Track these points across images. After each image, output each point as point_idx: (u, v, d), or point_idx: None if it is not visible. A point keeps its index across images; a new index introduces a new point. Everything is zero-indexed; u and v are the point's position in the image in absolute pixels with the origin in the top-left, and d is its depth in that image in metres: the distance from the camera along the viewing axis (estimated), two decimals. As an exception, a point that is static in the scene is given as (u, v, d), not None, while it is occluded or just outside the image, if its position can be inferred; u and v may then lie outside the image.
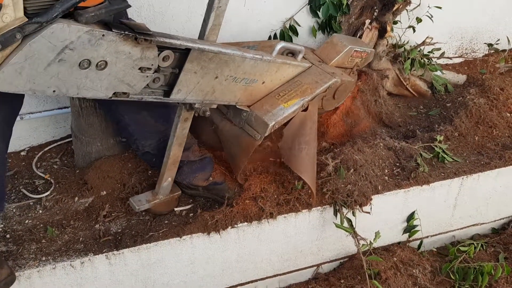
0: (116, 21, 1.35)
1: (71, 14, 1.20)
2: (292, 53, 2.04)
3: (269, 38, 2.62)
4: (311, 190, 2.02)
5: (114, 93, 1.40)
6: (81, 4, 1.19)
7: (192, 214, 2.06)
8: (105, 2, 1.25)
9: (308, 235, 2.19)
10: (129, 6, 1.33)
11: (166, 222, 2.01)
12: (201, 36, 1.61)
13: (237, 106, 1.87)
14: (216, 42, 1.63)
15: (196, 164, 2.07)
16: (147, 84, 1.47)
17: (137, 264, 1.92)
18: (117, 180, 2.14)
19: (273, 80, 1.93)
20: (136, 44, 1.32)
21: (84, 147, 2.17)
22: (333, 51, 2.25)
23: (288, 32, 2.60)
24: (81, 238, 1.94)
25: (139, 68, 1.39)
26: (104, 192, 2.11)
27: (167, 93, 1.56)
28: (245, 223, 2.01)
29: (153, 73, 1.44)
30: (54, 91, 1.27)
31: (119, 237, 1.93)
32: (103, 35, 1.24)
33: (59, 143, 2.43)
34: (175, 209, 2.08)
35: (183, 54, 1.50)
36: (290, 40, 2.63)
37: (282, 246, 2.17)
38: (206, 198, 2.14)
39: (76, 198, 2.10)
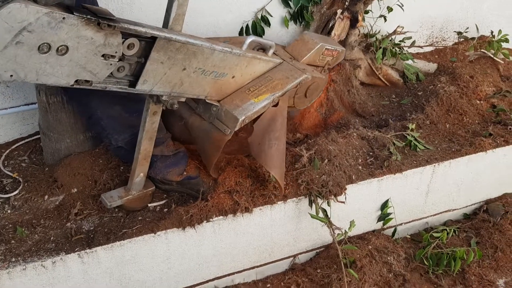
0: (79, 5, 1.28)
1: None
2: (263, 49, 2.02)
3: (241, 29, 2.60)
4: (279, 185, 2.01)
5: (76, 81, 1.33)
6: None
7: (166, 210, 2.03)
8: None
9: (284, 227, 2.19)
10: None
11: (140, 218, 1.98)
12: (164, 27, 1.55)
13: (206, 101, 1.84)
14: (181, 32, 1.58)
15: (170, 158, 2.04)
16: (112, 73, 1.41)
17: (111, 262, 1.89)
18: (88, 177, 2.09)
19: (243, 74, 1.90)
20: (99, 29, 1.26)
21: (53, 144, 2.12)
22: (304, 48, 2.23)
23: (260, 22, 2.59)
24: (52, 238, 1.89)
25: (103, 55, 1.33)
26: (75, 190, 2.06)
27: (133, 84, 1.50)
28: (221, 217, 2.00)
29: (117, 61, 1.37)
30: (11, 75, 1.20)
31: (92, 235, 1.89)
32: (63, 18, 1.18)
33: (27, 140, 2.36)
34: (149, 204, 2.05)
35: (149, 43, 1.44)
36: (262, 31, 2.61)
37: (258, 238, 2.16)
38: (181, 193, 2.11)
39: (46, 197, 2.05)
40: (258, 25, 2.57)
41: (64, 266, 1.82)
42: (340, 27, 2.62)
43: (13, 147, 2.31)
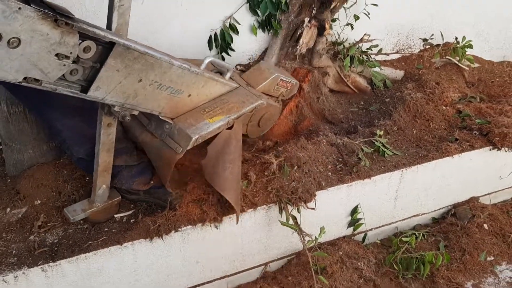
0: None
1: None
2: (221, 73, 2.03)
3: (210, 37, 2.59)
4: (235, 209, 1.96)
5: (25, 78, 1.28)
6: None
7: (133, 220, 2.00)
8: None
9: (255, 235, 2.18)
10: None
11: (106, 229, 1.94)
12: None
13: (160, 117, 1.80)
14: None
15: (135, 168, 2.01)
16: (64, 76, 1.36)
17: (76, 275, 1.84)
18: (52, 188, 2.04)
19: (199, 94, 1.88)
20: (56, 26, 1.22)
21: (15, 154, 2.06)
22: (260, 77, 2.27)
23: (229, 30, 2.58)
24: (14, 251, 1.83)
25: (56, 55, 1.28)
26: (39, 202, 2.01)
27: (85, 89, 1.45)
28: (189, 226, 1.97)
29: (71, 63, 1.33)
30: None
31: (56, 248, 1.84)
32: (19, 8, 1.13)
33: (-12, 151, 2.29)
34: (115, 215, 2.01)
35: (106, 48, 1.40)
36: (231, 39, 2.62)
37: (228, 247, 2.14)
38: (148, 202, 2.08)
39: (8, 209, 1.99)
40: (227, 33, 2.57)
41: (27, 281, 1.77)
42: (308, 35, 2.65)
43: (-26, 159, 2.24)
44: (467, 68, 3.21)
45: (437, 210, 2.74)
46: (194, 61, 2.04)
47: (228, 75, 2.02)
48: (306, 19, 2.62)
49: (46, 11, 1.18)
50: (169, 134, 1.84)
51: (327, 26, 2.64)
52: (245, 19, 2.64)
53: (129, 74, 1.50)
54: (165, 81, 1.64)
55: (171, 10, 2.43)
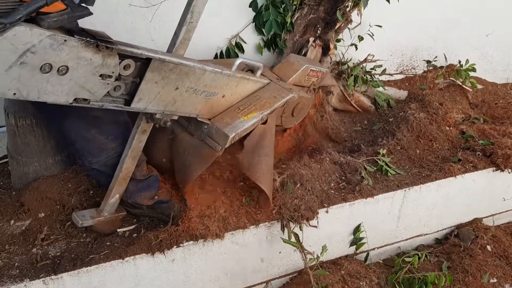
0: (78, 28, 1.37)
1: (34, 20, 1.21)
2: (251, 70, 2.11)
3: (215, 56, 2.63)
4: (268, 199, 2.06)
5: (75, 99, 1.40)
6: (44, 10, 1.20)
7: (135, 235, 2.00)
8: (67, 9, 1.26)
9: (257, 252, 2.17)
10: (91, 13, 1.34)
11: (108, 243, 1.94)
12: (170, 49, 1.68)
13: (198, 119, 1.90)
14: (183, 56, 1.69)
15: (142, 182, 2.02)
16: (108, 92, 1.47)
17: (77, 288, 1.84)
18: (56, 201, 2.05)
19: (233, 94, 1.98)
20: (98, 51, 1.33)
21: (21, 167, 2.08)
22: (290, 70, 2.33)
23: (234, 49, 2.62)
24: (16, 264, 1.83)
25: (100, 75, 1.39)
26: (42, 214, 2.02)
27: (128, 102, 1.57)
28: (191, 242, 1.98)
29: (114, 81, 1.44)
30: (14, 93, 1.26)
31: (58, 261, 1.84)
32: (65, 40, 1.25)
33: (-6, 164, 2.32)
34: (118, 229, 2.01)
35: (144, 63, 1.52)
36: (236, 57, 2.64)
37: (230, 264, 2.14)
38: (151, 217, 2.09)
39: (12, 221, 2.00)
40: (232, 52, 2.60)
41: (28, 293, 1.77)
42: (312, 54, 2.68)
43: (-20, 171, 2.26)
44: (470, 90, 3.23)
45: (440, 230, 2.73)
46: (226, 62, 2.12)
47: (258, 72, 2.10)
48: (311, 39, 2.66)
49: (88, 39, 1.30)
50: (208, 134, 1.96)
51: (331, 46, 2.67)
52: (251, 38, 2.68)
53: (167, 84, 1.61)
54: (200, 86, 1.75)
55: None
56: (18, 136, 2.01)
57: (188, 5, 1.64)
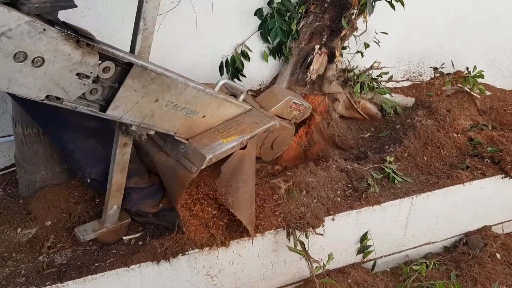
0: (59, 21, 1.30)
1: (14, 4, 1.15)
2: (234, 95, 2.07)
3: (221, 63, 2.64)
4: (248, 229, 1.98)
5: (47, 96, 1.32)
6: None
7: (141, 243, 2.00)
8: None
9: (262, 260, 2.16)
10: (75, 6, 1.30)
11: (113, 251, 1.95)
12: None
13: (175, 137, 1.84)
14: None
15: (145, 190, 2.03)
16: (84, 95, 1.41)
17: (83, 296, 1.84)
18: (63, 210, 2.07)
19: (213, 115, 1.92)
20: (78, 46, 1.27)
21: (28, 175, 2.10)
22: (273, 100, 2.31)
23: (240, 57, 2.63)
24: (23, 271, 1.85)
25: (77, 74, 1.33)
26: (49, 222, 2.03)
27: (104, 108, 1.50)
28: (196, 250, 1.97)
29: (91, 82, 1.38)
30: None
31: (64, 269, 1.85)
32: (44, 29, 1.19)
33: (3, 172, 2.35)
34: (124, 237, 2.02)
35: (125, 69, 1.46)
36: (242, 65, 2.66)
37: (235, 272, 2.13)
38: (157, 225, 2.09)
39: (19, 229, 2.02)
40: (238, 60, 2.61)
41: (33, 301, 1.78)
42: (318, 62, 2.68)
43: (-11, 179, 2.29)
44: (478, 96, 3.20)
45: (449, 238, 2.70)
46: (209, 85, 2.09)
47: (241, 97, 2.06)
48: (317, 47, 2.67)
49: (69, 32, 1.24)
50: (184, 154, 1.88)
51: (337, 53, 2.68)
52: (257, 46, 2.69)
53: (146, 94, 1.55)
54: (181, 102, 1.69)
55: (185, 36, 2.49)
56: (25, 145, 2.03)
57: (138, 12, 1.50)
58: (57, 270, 1.85)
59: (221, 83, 1.92)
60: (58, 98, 1.35)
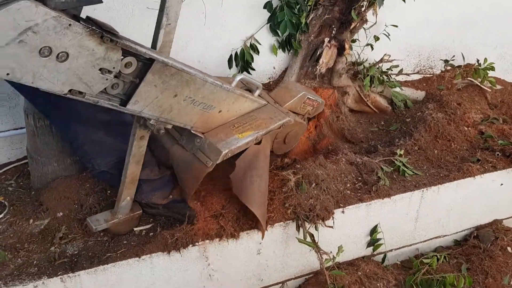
0: (83, 16, 1.31)
1: None
2: (250, 90, 2.08)
3: (230, 56, 2.64)
4: (260, 224, 1.99)
5: (70, 90, 1.34)
6: None
7: (152, 233, 2.02)
8: None
9: (272, 252, 2.17)
10: (101, 1, 1.31)
11: (125, 242, 1.96)
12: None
13: (191, 131, 1.86)
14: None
15: (156, 182, 2.04)
16: (105, 89, 1.43)
17: (94, 286, 1.85)
18: (74, 201, 2.08)
19: (229, 110, 1.94)
20: (101, 42, 1.28)
21: (40, 167, 2.12)
22: (288, 95, 2.32)
23: (249, 50, 2.63)
24: (35, 262, 1.86)
25: (100, 69, 1.35)
26: (61, 214, 2.05)
27: (124, 103, 1.52)
28: (207, 241, 1.98)
29: (113, 77, 1.40)
30: (8, 73, 1.21)
31: (75, 259, 1.87)
32: (69, 24, 1.20)
33: (15, 164, 2.37)
34: (135, 228, 2.03)
35: (146, 64, 1.48)
36: (251, 58, 2.66)
37: (245, 264, 2.14)
38: (167, 216, 2.10)
39: (31, 220, 2.04)
40: (247, 53, 2.61)
41: (46, 291, 1.80)
42: (327, 55, 2.68)
43: (1, 171, 2.31)
44: (489, 90, 3.18)
45: (459, 232, 2.68)
46: (225, 79, 2.10)
47: (257, 92, 2.07)
48: (326, 39, 2.66)
49: (93, 28, 1.25)
50: (199, 148, 1.90)
51: (346, 46, 2.67)
52: (266, 39, 2.69)
53: (166, 89, 1.57)
54: (198, 97, 1.71)
55: (194, 30, 2.50)
56: (37, 137, 2.05)
57: (162, 7, 1.53)
58: (68, 260, 1.87)
59: (238, 78, 1.94)
60: (80, 92, 1.37)
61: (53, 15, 1.16)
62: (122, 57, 1.38)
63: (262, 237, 2.04)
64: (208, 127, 1.91)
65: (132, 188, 1.92)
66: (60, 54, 1.24)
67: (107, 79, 1.39)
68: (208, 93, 1.74)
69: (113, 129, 1.93)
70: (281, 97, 2.30)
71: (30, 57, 1.20)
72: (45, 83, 1.28)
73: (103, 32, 1.27)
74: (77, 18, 1.24)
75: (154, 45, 1.56)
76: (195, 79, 1.64)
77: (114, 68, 1.37)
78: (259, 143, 2.03)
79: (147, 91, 1.52)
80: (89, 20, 1.28)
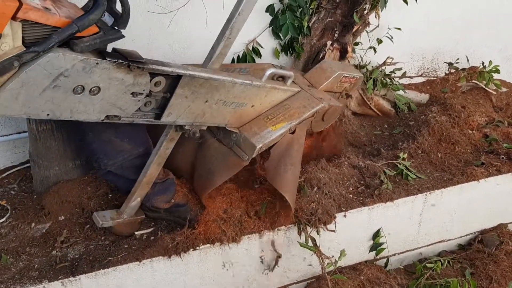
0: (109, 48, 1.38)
1: (67, 43, 1.24)
2: (282, 77, 2.08)
3: (232, 60, 2.64)
4: (289, 210, 2.03)
5: (106, 116, 1.43)
6: (77, 34, 1.23)
7: (152, 237, 2.02)
8: (100, 32, 1.30)
9: (273, 256, 2.16)
10: (123, 36, 1.37)
11: (125, 246, 1.96)
12: (206, 62, 1.68)
13: (226, 128, 1.91)
14: (218, 69, 1.70)
15: (158, 186, 2.04)
16: (139, 108, 1.50)
17: (95, 290, 1.86)
18: (76, 205, 2.09)
19: (262, 103, 1.98)
20: (129, 71, 1.36)
21: (42, 171, 2.13)
22: (323, 77, 2.30)
23: (251, 54, 2.63)
24: (36, 265, 1.87)
25: (131, 93, 1.42)
26: (62, 217, 2.06)
27: (158, 116, 1.59)
28: (208, 245, 1.98)
29: (144, 97, 1.47)
30: (48, 114, 1.30)
31: (76, 263, 1.87)
32: (97, 63, 1.28)
33: (18, 168, 2.38)
34: (136, 232, 2.03)
35: (174, 79, 1.53)
36: (253, 62, 2.65)
37: (246, 268, 2.13)
38: (168, 220, 2.10)
39: (33, 224, 2.04)
40: (249, 56, 2.61)
41: (47, 295, 1.80)
42: (330, 58, 2.66)
43: (4, 175, 2.32)
44: (494, 93, 3.15)
45: (463, 236, 2.66)
46: (256, 66, 2.15)
47: (289, 81, 2.07)
48: (329, 43, 2.65)
49: (119, 61, 1.32)
50: (236, 143, 1.97)
51: (349, 49, 2.66)
52: (268, 43, 2.68)
53: (196, 98, 1.63)
54: (229, 98, 1.76)
55: (195, 33, 2.50)
56: (39, 140, 2.05)
57: (229, 21, 1.64)
58: (69, 264, 1.87)
59: (268, 72, 1.93)
60: (116, 116, 1.46)
61: (80, 59, 1.25)
62: (150, 78, 1.44)
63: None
64: (243, 122, 1.97)
65: (146, 189, 1.95)
66: (93, 89, 1.33)
67: (139, 101, 1.47)
68: (239, 93, 1.79)
69: (121, 129, 1.94)
70: (315, 79, 2.29)
71: (65, 97, 1.30)
72: (82, 115, 1.38)
73: (129, 62, 1.34)
74: (102, 54, 1.31)
75: (211, 55, 1.66)
76: (224, 83, 1.69)
77: (144, 90, 1.45)
78: (293, 132, 2.06)
79: (179, 103, 1.59)
80: (115, 53, 1.36)
